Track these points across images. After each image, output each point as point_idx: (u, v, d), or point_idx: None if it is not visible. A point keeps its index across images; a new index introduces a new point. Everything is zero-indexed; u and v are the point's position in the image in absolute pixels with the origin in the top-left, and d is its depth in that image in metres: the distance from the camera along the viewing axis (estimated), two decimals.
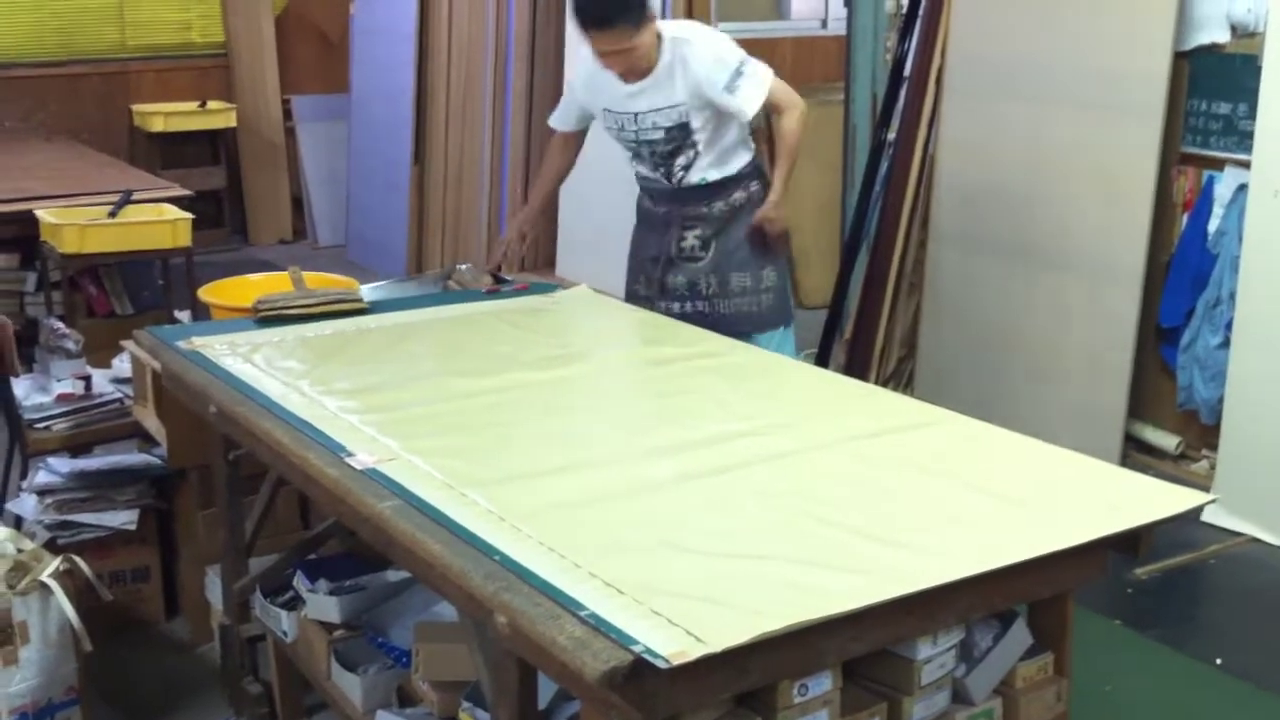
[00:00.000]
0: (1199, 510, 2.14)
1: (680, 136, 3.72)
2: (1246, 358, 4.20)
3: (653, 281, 3.85)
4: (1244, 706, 3.30)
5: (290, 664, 3.00)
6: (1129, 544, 2.11)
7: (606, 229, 7.27)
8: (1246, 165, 4.23)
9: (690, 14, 6.96)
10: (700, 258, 3.80)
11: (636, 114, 3.72)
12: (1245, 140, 4.25)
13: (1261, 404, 4.07)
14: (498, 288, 3.62)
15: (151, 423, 3.50)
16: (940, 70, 5.24)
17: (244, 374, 2.82)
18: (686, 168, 3.77)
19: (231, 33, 8.70)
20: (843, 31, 6.11)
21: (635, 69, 3.62)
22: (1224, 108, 4.37)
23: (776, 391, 2.74)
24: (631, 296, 3.91)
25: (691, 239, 3.81)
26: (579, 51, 3.85)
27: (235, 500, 3.05)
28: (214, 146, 8.55)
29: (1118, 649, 3.54)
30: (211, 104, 8.49)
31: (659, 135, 3.73)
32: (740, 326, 3.69)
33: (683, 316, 3.63)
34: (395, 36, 7.89)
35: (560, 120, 4.06)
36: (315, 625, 2.83)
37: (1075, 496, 2.16)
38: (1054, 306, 4.78)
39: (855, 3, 5.84)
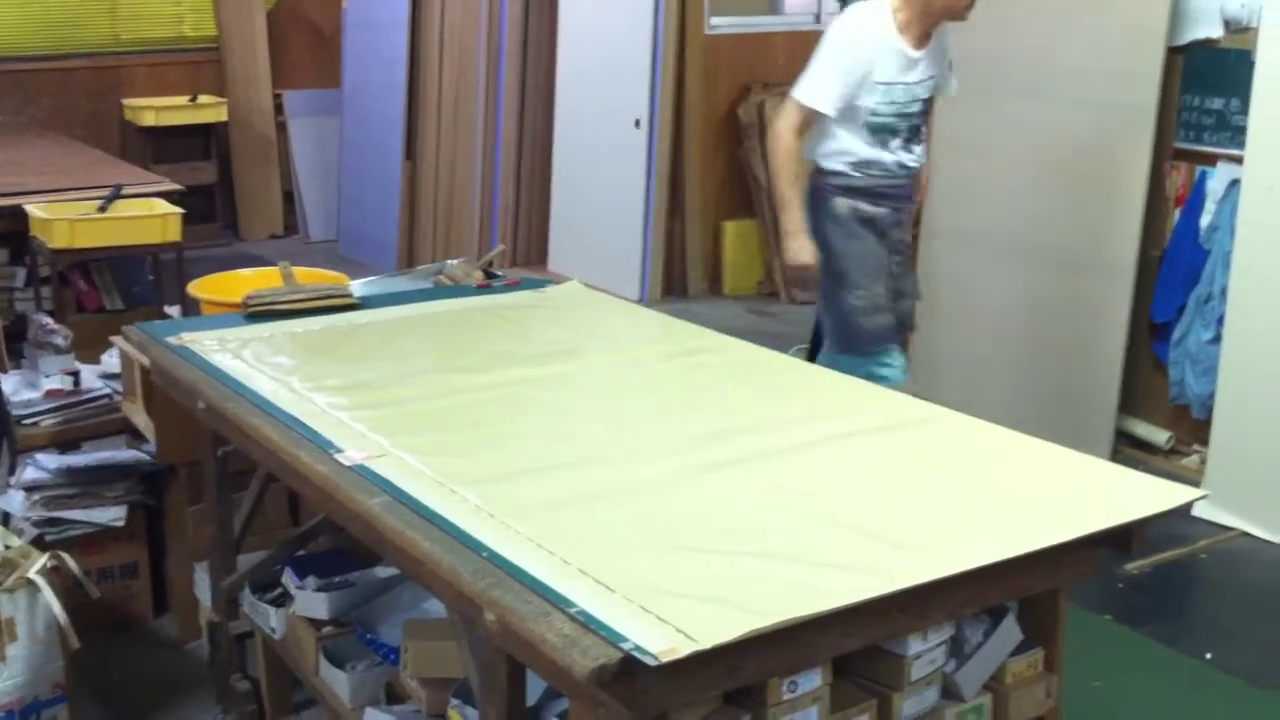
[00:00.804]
0: (1190, 505, 2.14)
1: (925, 112, 3.81)
2: (1238, 353, 4.20)
3: (887, 290, 3.86)
4: (1234, 702, 3.30)
5: (279, 661, 2.99)
6: (1121, 540, 2.11)
7: (598, 225, 7.28)
8: (1239, 160, 4.23)
9: (683, 8, 6.97)
10: (907, 254, 3.93)
11: (908, 84, 3.73)
12: (1238, 135, 4.25)
13: (1252, 399, 4.08)
14: (489, 283, 3.61)
15: (140, 419, 3.48)
16: None
17: (233, 370, 2.80)
18: (918, 147, 3.83)
19: (223, 26, 8.67)
20: None
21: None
22: (1217, 103, 4.37)
23: (771, 388, 2.73)
24: (875, 310, 3.84)
25: (907, 236, 3.90)
26: (860, 25, 3.78)
27: (224, 497, 3.04)
28: (205, 141, 8.52)
29: (1108, 644, 3.54)
30: (203, 98, 8.47)
31: (918, 108, 3.77)
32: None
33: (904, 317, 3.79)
34: (388, 30, 7.88)
35: (831, 102, 3.75)
36: (304, 622, 2.82)
37: (1066, 492, 2.16)
38: (1046, 301, 4.79)
39: None
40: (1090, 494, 2.15)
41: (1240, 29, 4.24)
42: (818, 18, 7.74)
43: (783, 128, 3.76)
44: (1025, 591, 2.14)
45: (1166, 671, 3.43)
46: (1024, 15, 4.85)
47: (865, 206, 3.80)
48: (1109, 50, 4.47)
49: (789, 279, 3.85)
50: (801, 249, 3.81)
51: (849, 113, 3.74)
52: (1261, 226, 4.01)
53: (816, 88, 3.74)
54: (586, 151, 7.34)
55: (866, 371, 3.71)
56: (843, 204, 3.81)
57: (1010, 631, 2.16)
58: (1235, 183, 4.28)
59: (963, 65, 5.13)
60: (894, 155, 3.78)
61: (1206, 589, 3.80)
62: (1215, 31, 4.06)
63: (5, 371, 3.78)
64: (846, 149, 3.77)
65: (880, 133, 3.75)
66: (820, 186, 3.82)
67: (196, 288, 3.70)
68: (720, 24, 7.30)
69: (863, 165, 3.77)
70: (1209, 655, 3.45)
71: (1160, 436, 4.71)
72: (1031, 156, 4.83)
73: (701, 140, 7.19)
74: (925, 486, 2.17)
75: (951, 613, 2.01)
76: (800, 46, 7.53)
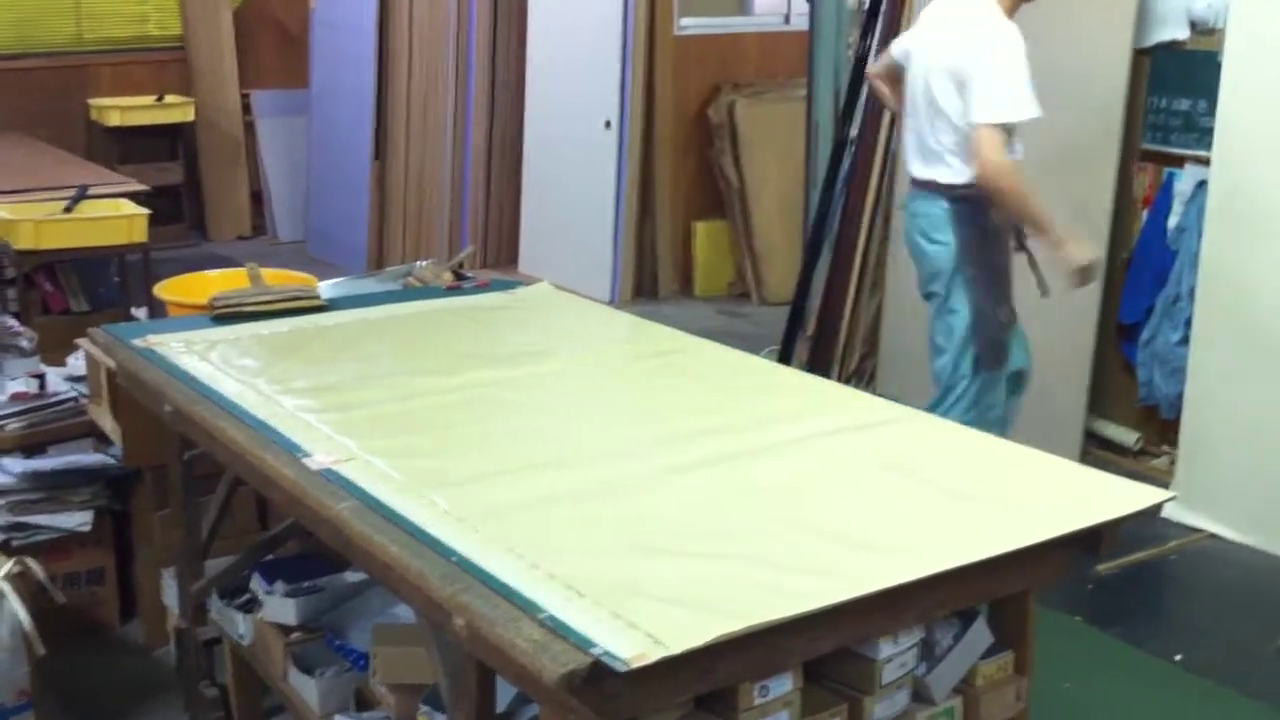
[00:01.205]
0: (1159, 507, 2.14)
1: None
2: (1206, 354, 4.22)
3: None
4: (1204, 703, 3.31)
5: (247, 667, 2.97)
6: (1090, 541, 2.11)
7: (568, 226, 7.27)
8: (1206, 162, 4.26)
9: (653, 8, 6.97)
10: None
11: None
12: (1205, 137, 4.27)
13: (1220, 400, 4.10)
14: (459, 284, 3.59)
15: (107, 422, 3.45)
16: None
17: (200, 372, 2.78)
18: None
19: (189, 26, 8.62)
20: (805, 27, 6.11)
21: None
22: (1184, 104, 4.39)
23: (742, 389, 2.73)
24: (1010, 316, 3.75)
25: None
26: (1012, 29, 3.58)
27: (191, 501, 3.01)
28: (172, 141, 8.46)
29: (1078, 645, 3.55)
30: (169, 98, 8.41)
31: None
32: None
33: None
34: (356, 31, 7.85)
35: (1035, 106, 3.59)
36: (272, 627, 2.80)
37: (1036, 494, 2.16)
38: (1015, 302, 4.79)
39: None
40: (1059, 496, 2.15)
41: (1207, 30, 4.26)
42: (787, 18, 7.76)
43: (997, 159, 3.52)
44: (995, 594, 2.14)
45: (1136, 673, 3.44)
46: None
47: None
48: (1076, 52, 4.48)
49: (1081, 281, 3.69)
50: (1085, 245, 3.70)
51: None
52: (1228, 228, 4.03)
53: (1020, 99, 3.51)
54: (557, 152, 7.33)
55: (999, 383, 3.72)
56: (997, 216, 3.67)
57: (981, 634, 2.16)
58: (1202, 184, 4.30)
59: None
60: (1019, 157, 3.64)
61: (1176, 590, 3.82)
62: (1182, 33, 4.08)
63: None
64: None
65: (1013, 136, 3.61)
66: (972, 200, 3.63)
67: (163, 289, 3.67)
68: (690, 24, 7.30)
69: None
70: (1179, 657, 3.46)
71: (1129, 437, 4.73)
72: None
73: (672, 141, 7.19)
74: (896, 488, 2.17)
75: (922, 615, 2.01)
76: (770, 47, 7.62)
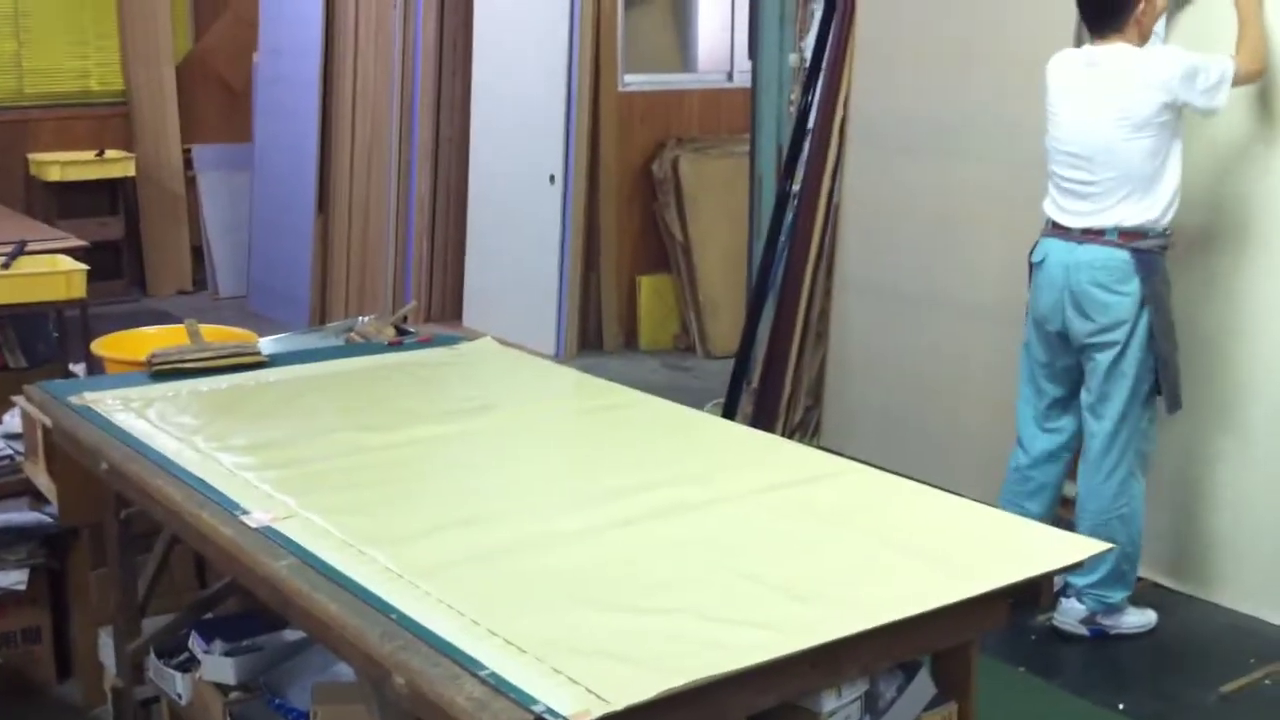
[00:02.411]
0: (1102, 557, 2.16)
1: None
2: None
3: None
4: None
5: None
6: (1030, 593, 2.12)
7: (513, 280, 7.27)
8: None
9: (597, 65, 7.03)
10: None
11: None
12: None
13: (1168, 449, 4.14)
14: (400, 340, 3.58)
15: (42, 480, 3.40)
16: (843, 122, 5.31)
17: (137, 430, 2.75)
18: None
19: (131, 81, 8.59)
20: (748, 84, 6.18)
21: None
22: None
23: (683, 444, 2.73)
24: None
25: None
26: None
27: (128, 559, 2.97)
28: (112, 196, 8.42)
29: (1022, 696, 3.56)
30: (110, 153, 8.37)
31: None
32: None
33: None
34: (299, 86, 7.85)
35: None
36: (211, 687, 2.76)
37: (977, 546, 2.17)
38: (960, 355, 4.84)
39: (759, 56, 5.91)
40: (1000, 547, 2.17)
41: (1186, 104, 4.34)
42: (730, 75, 7.85)
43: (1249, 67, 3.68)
44: (937, 645, 2.14)
45: None
46: (932, 74, 4.94)
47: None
48: (1018, 107, 4.55)
49: None
50: None
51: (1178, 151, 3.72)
52: (1174, 283, 4.09)
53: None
54: (501, 207, 7.34)
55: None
56: (1165, 261, 3.76)
57: (924, 685, 2.16)
58: None
59: (871, 124, 5.23)
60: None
61: (1118, 640, 3.83)
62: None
63: None
64: (1174, 195, 3.72)
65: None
66: (1153, 251, 3.70)
67: (101, 346, 3.63)
68: (634, 81, 7.36)
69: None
70: (1121, 706, 3.48)
71: (1073, 489, 4.75)
72: (942, 211, 4.90)
73: (616, 196, 7.23)
74: (838, 541, 2.17)
75: (865, 668, 2.01)
76: (713, 103, 7.70)
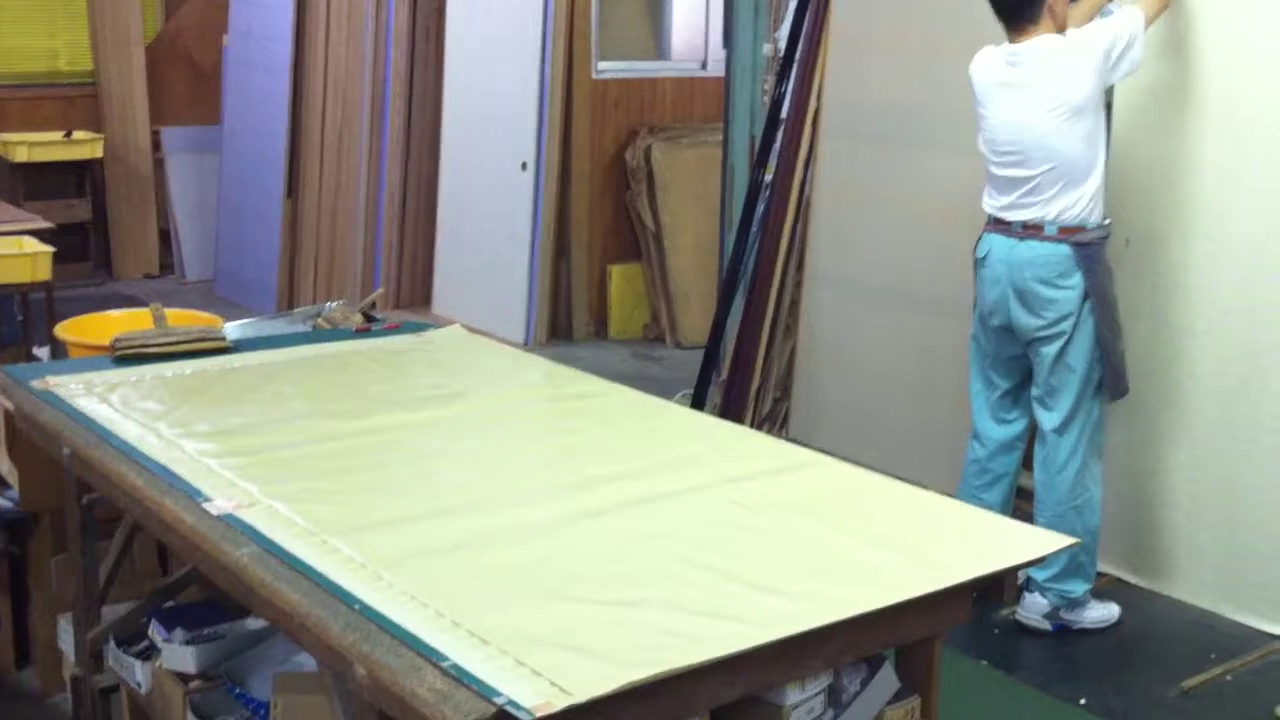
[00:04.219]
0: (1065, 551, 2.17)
1: None
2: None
3: None
4: None
5: (145, 716, 2.89)
6: (994, 586, 2.13)
7: (483, 267, 7.25)
8: None
9: (570, 53, 7.00)
10: None
11: None
12: None
13: (1123, 448, 4.16)
14: (368, 326, 3.56)
15: (4, 464, 3.37)
16: (817, 113, 5.31)
17: (100, 415, 2.72)
18: None
19: (100, 61, 8.50)
20: (722, 73, 6.17)
21: None
22: None
23: (652, 434, 2.72)
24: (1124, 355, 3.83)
25: None
26: None
27: (89, 546, 2.94)
28: (80, 178, 8.34)
29: (985, 690, 3.57)
30: (78, 134, 8.29)
31: None
32: None
33: None
34: (270, 69, 7.79)
35: None
36: (171, 676, 2.73)
37: (942, 540, 2.17)
38: (929, 348, 4.85)
39: (733, 45, 5.90)
40: (965, 541, 2.17)
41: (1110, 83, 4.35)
42: (704, 64, 7.83)
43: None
44: (902, 639, 2.15)
45: (1042, 717, 3.47)
46: (905, 67, 4.94)
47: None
48: None
49: None
50: None
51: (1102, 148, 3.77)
52: (1120, 279, 4.11)
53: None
54: (472, 193, 7.31)
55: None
56: (1105, 252, 3.81)
57: (888, 679, 2.17)
58: None
59: (844, 115, 5.23)
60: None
61: (1080, 635, 3.85)
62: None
63: None
64: (1103, 183, 3.77)
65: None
66: (1093, 243, 3.74)
67: (64, 329, 3.60)
68: (607, 69, 7.34)
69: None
70: (1083, 701, 3.49)
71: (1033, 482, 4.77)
72: (914, 205, 4.90)
73: (589, 184, 7.21)
74: (803, 533, 2.17)
75: (829, 661, 2.01)
76: (686, 91, 7.68)
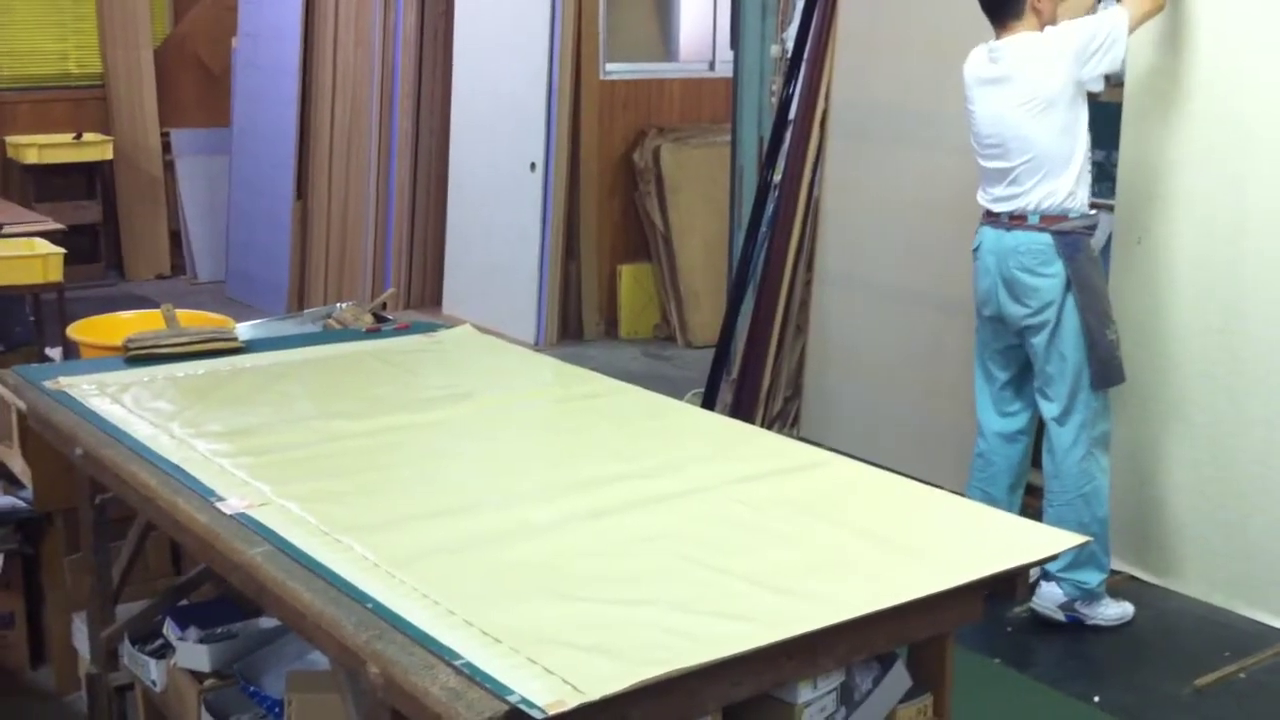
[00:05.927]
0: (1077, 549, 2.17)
1: None
2: (1121, 397, 4.28)
3: None
4: None
5: (159, 714, 2.91)
6: (1005, 585, 2.13)
7: (493, 268, 7.26)
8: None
9: (578, 55, 7.01)
10: None
11: None
12: (1116, 186, 4.35)
13: (1136, 444, 4.16)
14: (378, 327, 3.57)
15: (17, 464, 3.39)
16: (824, 114, 5.31)
17: (112, 415, 2.73)
18: None
19: (110, 64, 8.53)
20: (730, 74, 6.17)
21: None
22: (1098, 155, 4.45)
23: (662, 433, 2.73)
24: (1116, 343, 3.85)
25: None
26: None
27: (102, 545, 2.95)
28: (90, 179, 8.36)
29: (997, 688, 3.57)
30: (88, 136, 8.32)
31: None
32: None
33: None
34: (279, 71, 7.81)
35: None
36: (185, 674, 2.75)
37: (954, 539, 2.17)
38: (938, 347, 4.85)
39: (741, 46, 5.90)
40: (975, 540, 2.17)
41: (1119, 83, 4.34)
42: (712, 65, 7.83)
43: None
44: (913, 637, 2.15)
45: (1055, 714, 3.47)
46: (912, 67, 4.94)
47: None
48: None
49: None
50: None
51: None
52: (1131, 277, 4.11)
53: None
54: (481, 194, 7.32)
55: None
56: (1092, 241, 3.84)
57: (900, 677, 2.17)
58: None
59: (852, 115, 5.23)
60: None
61: (1094, 632, 3.85)
62: (1097, 86, 4.15)
63: None
64: (1084, 172, 3.82)
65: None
66: (1076, 232, 3.79)
67: (76, 330, 3.61)
68: (615, 70, 7.35)
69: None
70: (1097, 698, 3.49)
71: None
72: (922, 204, 4.90)
73: (597, 184, 7.22)
74: (814, 533, 2.17)
75: (841, 659, 2.01)
76: (694, 92, 7.69)
